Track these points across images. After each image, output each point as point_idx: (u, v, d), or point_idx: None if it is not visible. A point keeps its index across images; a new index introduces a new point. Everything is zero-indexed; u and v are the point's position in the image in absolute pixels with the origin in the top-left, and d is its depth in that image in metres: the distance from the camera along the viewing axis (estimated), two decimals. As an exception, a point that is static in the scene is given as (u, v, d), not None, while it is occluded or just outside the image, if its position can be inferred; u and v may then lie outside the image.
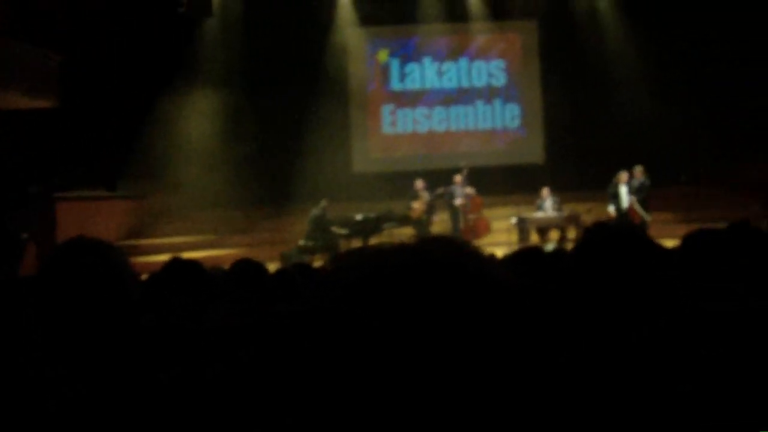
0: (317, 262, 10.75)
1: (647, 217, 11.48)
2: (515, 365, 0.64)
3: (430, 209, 12.57)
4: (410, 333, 0.62)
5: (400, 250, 0.70)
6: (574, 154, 14.39)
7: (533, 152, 15.47)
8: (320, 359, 0.64)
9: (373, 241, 11.29)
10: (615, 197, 11.74)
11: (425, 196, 12.56)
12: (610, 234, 1.59)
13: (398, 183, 13.67)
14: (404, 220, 12.16)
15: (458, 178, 12.65)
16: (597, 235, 1.62)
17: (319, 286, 0.69)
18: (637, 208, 11.61)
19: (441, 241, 0.73)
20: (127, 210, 12.87)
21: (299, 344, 0.66)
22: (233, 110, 13.90)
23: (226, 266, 3.36)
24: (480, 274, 0.68)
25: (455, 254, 0.71)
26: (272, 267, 4.78)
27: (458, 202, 12.56)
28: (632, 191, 11.77)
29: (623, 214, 11.56)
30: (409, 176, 13.30)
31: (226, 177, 13.34)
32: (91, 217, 11.42)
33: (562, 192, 12.60)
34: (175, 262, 2.68)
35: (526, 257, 2.87)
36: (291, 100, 14.28)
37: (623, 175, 11.75)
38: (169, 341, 1.65)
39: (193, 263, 2.73)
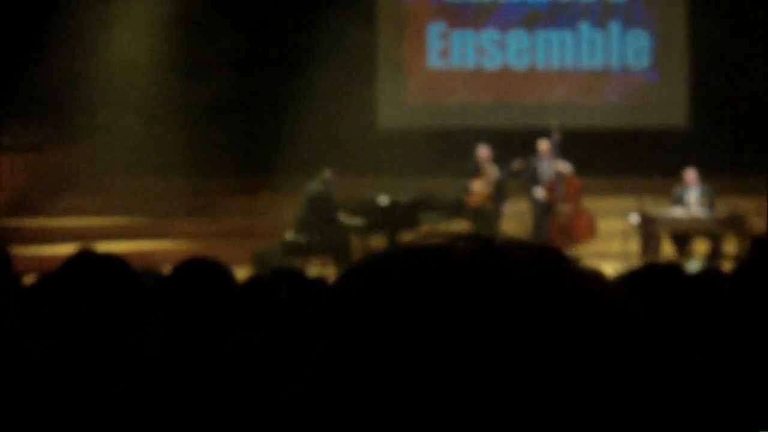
0: (313, 269, 10.90)
1: None
2: None
3: (500, 194, 12.79)
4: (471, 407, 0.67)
5: (450, 258, 0.74)
6: (737, 118, 14.48)
7: (670, 110, 15.53)
8: None
9: (405, 239, 11.30)
10: None
11: (492, 172, 12.75)
12: None
13: (449, 149, 13.77)
14: (456, 208, 12.50)
15: (544, 146, 12.85)
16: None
17: (317, 321, 0.75)
18: None
19: (516, 247, 0.77)
20: (9, 170, 12.88)
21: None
22: (189, 27, 14.15)
23: (167, 269, 3.69)
24: (588, 303, 0.73)
25: (542, 269, 0.75)
26: (241, 273, 4.76)
27: (543, 185, 12.73)
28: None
29: None
30: (468, 139, 13.39)
31: (172, 129, 13.60)
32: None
33: (715, 178, 12.62)
34: (83, 258, 2.87)
35: (652, 281, 2.88)
36: (284, 13, 14.72)
37: None
38: (62, 384, 1.87)
39: (114, 261, 2.93)
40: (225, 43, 14.56)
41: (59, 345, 2.58)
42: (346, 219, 12.15)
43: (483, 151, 12.82)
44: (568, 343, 0.70)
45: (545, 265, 0.75)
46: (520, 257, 0.75)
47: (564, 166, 12.81)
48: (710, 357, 2.23)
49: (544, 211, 12.76)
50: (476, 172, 12.75)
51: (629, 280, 2.97)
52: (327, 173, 12.22)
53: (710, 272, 3.33)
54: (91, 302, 2.76)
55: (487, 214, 12.49)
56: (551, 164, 12.77)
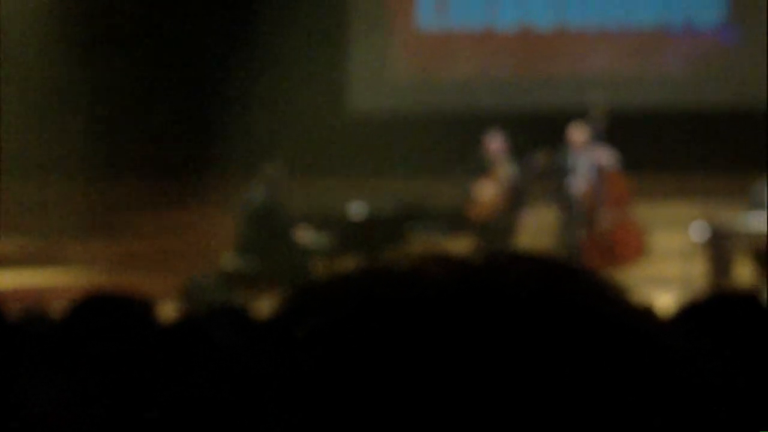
0: (262, 303, 10.94)
1: None
2: None
3: (517, 200, 12.99)
4: None
5: (418, 284, 0.77)
6: None
7: (751, 82, 15.63)
8: None
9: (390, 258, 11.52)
10: None
11: (506, 170, 12.90)
12: None
13: (447, 139, 13.91)
14: (456, 220, 12.76)
15: (579, 133, 12.89)
16: None
17: (255, 366, 0.79)
18: None
19: (534, 265, 0.80)
20: None
21: None
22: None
23: (60, 308, 3.71)
24: (615, 338, 0.75)
25: (547, 293, 0.76)
26: (166, 310, 4.79)
27: (579, 186, 12.64)
28: None
29: None
30: (472, 125, 13.49)
31: (66, 121, 13.85)
32: None
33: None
34: None
35: (724, 314, 2.95)
36: None
37: None
38: None
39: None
40: (136, 10, 14.68)
41: None
42: (306, 237, 12.24)
43: (494, 143, 12.87)
44: (577, 392, 0.72)
45: (554, 287, 0.77)
46: (514, 278, 0.77)
47: (606, 159, 12.86)
48: None
49: (578, 221, 12.82)
50: (484, 170, 12.79)
51: (691, 313, 3.04)
52: (269, 170, 12.26)
53: None
54: None
55: (498, 228, 12.65)
56: (589, 157, 12.81)
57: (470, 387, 0.71)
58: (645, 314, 0.76)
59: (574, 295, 0.77)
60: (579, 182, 12.74)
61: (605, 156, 12.83)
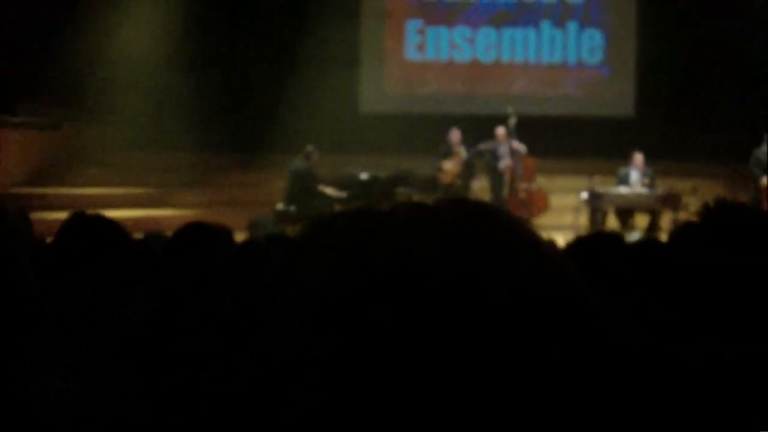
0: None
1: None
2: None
3: (469, 172, 12.81)
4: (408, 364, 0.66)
5: (391, 217, 0.74)
6: (679, 109, 14.46)
7: (619, 101, 15.58)
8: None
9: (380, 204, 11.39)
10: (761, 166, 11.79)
11: (462, 153, 12.78)
12: (739, 218, 1.54)
13: (424, 132, 13.75)
14: (429, 184, 12.39)
15: (501, 131, 12.78)
16: (719, 220, 1.57)
17: (274, 280, 0.75)
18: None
19: (473, 207, 0.76)
20: (30, 144, 12.87)
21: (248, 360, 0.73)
22: (192, 22, 14.01)
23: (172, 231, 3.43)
24: (541, 270, 0.71)
25: (496, 228, 0.73)
26: (238, 238, 4.75)
27: (503, 164, 12.64)
28: (763, 166, 11.75)
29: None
30: (441, 124, 13.35)
31: (178, 112, 13.53)
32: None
33: (656, 161, 12.68)
34: (78, 221, 2.70)
35: (597, 247, 2.91)
36: (275, 10, 14.54)
37: None
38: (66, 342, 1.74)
39: (108, 224, 2.75)
40: (224, 38, 14.45)
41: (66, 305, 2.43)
42: (330, 191, 12.09)
43: (455, 135, 12.75)
44: (485, 281, 0.69)
45: (469, 219, 0.73)
46: (450, 215, 0.73)
47: (520, 147, 12.79)
48: (644, 311, 2.22)
49: (501, 187, 12.69)
50: (449, 153, 12.73)
51: (577, 246, 3.01)
52: (308, 148, 12.13)
53: (649, 242, 3.37)
54: (87, 261, 2.59)
55: (457, 190, 12.38)
56: (509, 146, 12.70)
57: (407, 283, 0.68)
58: (552, 247, 0.75)
59: (490, 219, 0.74)
60: (503, 162, 12.68)
61: (519, 146, 12.75)
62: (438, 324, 0.67)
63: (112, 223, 2.76)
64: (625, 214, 12.21)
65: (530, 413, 0.66)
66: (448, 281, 0.68)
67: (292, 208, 11.90)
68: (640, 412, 0.73)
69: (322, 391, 0.67)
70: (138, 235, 4.59)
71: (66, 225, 2.72)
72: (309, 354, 0.68)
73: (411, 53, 15.86)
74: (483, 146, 12.81)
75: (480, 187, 12.88)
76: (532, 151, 12.96)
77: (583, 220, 12.14)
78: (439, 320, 0.67)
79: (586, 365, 0.68)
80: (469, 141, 12.81)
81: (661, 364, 1.21)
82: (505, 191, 12.68)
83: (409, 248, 0.70)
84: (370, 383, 0.66)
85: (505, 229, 0.74)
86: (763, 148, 11.89)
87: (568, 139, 14.33)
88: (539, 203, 12.84)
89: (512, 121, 12.78)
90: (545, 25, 15.75)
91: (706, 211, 1.61)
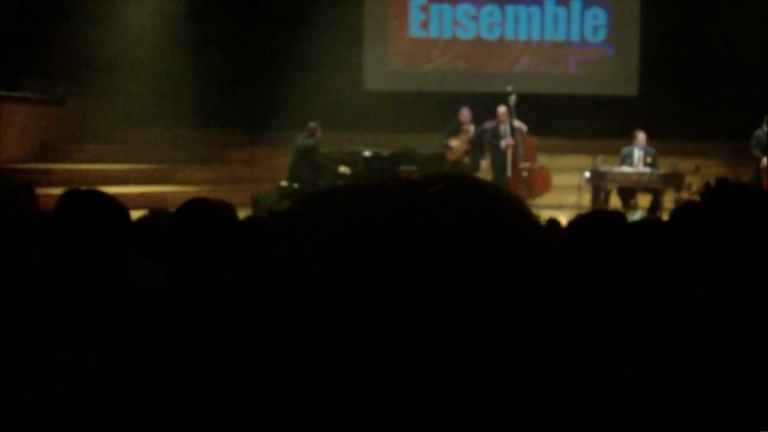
0: None
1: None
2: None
3: (476, 150, 12.84)
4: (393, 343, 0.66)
5: (379, 191, 0.73)
6: (681, 89, 14.36)
7: (622, 80, 15.50)
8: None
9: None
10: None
11: (471, 131, 12.83)
12: (740, 197, 1.55)
13: (428, 110, 13.74)
14: (435, 161, 12.33)
15: (503, 109, 12.70)
16: (719, 199, 1.58)
17: (266, 254, 0.75)
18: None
19: (466, 182, 0.74)
20: (35, 119, 12.87)
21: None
22: (196, 1, 14.02)
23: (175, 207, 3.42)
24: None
25: (486, 206, 0.71)
26: (243, 214, 4.73)
27: (504, 143, 12.59)
28: (764, 146, 11.78)
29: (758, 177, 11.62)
30: (444, 101, 13.41)
31: (182, 89, 13.51)
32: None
33: (659, 141, 12.66)
34: (73, 197, 2.68)
35: (599, 226, 2.88)
36: None
37: None
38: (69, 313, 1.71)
39: (104, 198, 2.74)
40: (228, 15, 14.38)
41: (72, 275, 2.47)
42: (334, 167, 12.05)
43: (465, 114, 12.78)
44: (467, 258, 0.68)
45: (456, 193, 0.72)
46: (434, 189, 0.72)
47: (520, 126, 12.71)
48: (637, 288, 2.22)
49: (504, 166, 12.60)
50: (458, 131, 12.75)
51: (578, 223, 2.99)
52: (312, 125, 12.10)
53: (651, 221, 3.36)
54: (84, 236, 2.59)
55: (463, 167, 12.28)
56: (508, 125, 12.63)
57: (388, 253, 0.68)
58: (552, 227, 0.75)
59: (464, 195, 0.73)
60: (504, 141, 12.59)
61: (520, 124, 12.66)
62: (436, 304, 0.66)
63: (107, 198, 2.75)
64: (628, 193, 12.25)
65: (517, 404, 0.66)
66: (440, 256, 0.68)
67: (296, 185, 11.84)
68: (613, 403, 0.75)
69: (327, 381, 0.66)
70: (143, 212, 4.60)
71: (61, 201, 2.71)
72: (313, 344, 0.67)
73: (414, 30, 15.83)
74: (487, 125, 12.78)
75: (488, 166, 12.86)
76: (536, 129, 12.93)
77: (585, 200, 12.09)
78: (437, 300, 0.67)
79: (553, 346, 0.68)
80: (474, 120, 12.83)
81: (642, 354, 1.23)
82: (508, 170, 12.65)
83: (402, 229, 0.69)
84: (376, 372, 0.65)
85: (490, 203, 0.73)
86: (764, 128, 11.92)
87: (571, 118, 14.29)
88: (542, 183, 12.79)
89: (512, 99, 12.73)
90: (549, 3, 15.68)
91: (707, 191, 1.62)
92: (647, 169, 12.18)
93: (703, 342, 1.27)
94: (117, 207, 2.74)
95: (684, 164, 12.21)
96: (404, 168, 12.24)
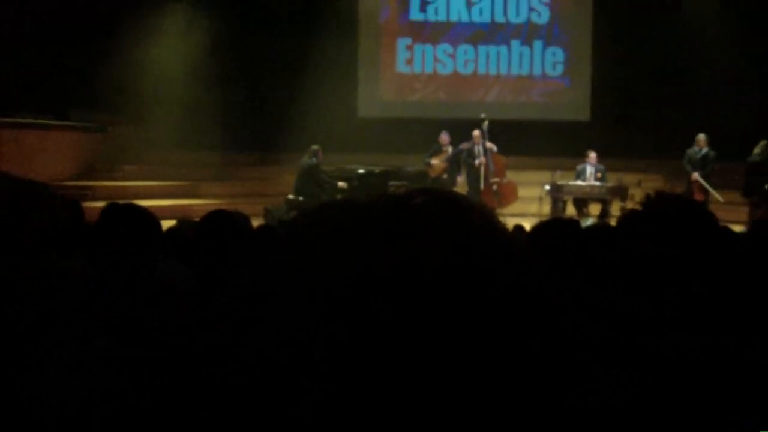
0: None
1: (717, 196, 11.52)
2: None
3: (454, 168, 12.74)
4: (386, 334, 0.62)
5: (369, 206, 0.70)
6: (627, 115, 14.43)
7: (577, 107, 15.53)
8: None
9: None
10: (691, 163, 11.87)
11: (449, 152, 12.79)
12: (675, 207, 1.55)
13: (413, 133, 13.73)
14: (419, 178, 12.27)
15: (477, 133, 12.62)
16: (658, 208, 1.57)
17: (275, 259, 0.72)
18: (704, 183, 11.64)
19: (444, 196, 0.72)
20: (81, 144, 12.92)
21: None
22: (217, 43, 14.00)
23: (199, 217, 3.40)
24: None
25: (461, 215, 0.69)
26: (256, 224, 4.72)
27: (478, 161, 12.53)
28: (694, 163, 11.80)
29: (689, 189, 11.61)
30: (427, 127, 13.34)
31: (204, 117, 13.49)
32: (36, 149, 11.52)
33: (607, 159, 12.69)
34: (113, 209, 2.71)
35: (558, 231, 2.89)
36: (286, 29, 14.43)
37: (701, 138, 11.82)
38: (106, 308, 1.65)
39: (139, 211, 2.75)
40: (244, 55, 14.34)
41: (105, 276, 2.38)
42: (334, 183, 11.96)
43: (444, 137, 12.78)
44: (446, 262, 0.65)
45: (436, 205, 0.70)
46: (416, 202, 0.70)
47: (491, 146, 12.62)
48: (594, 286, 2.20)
49: (477, 181, 12.48)
50: (438, 151, 12.73)
51: (539, 229, 3.00)
52: (314, 147, 12.01)
53: (600, 225, 3.38)
54: (122, 242, 2.60)
55: (443, 183, 12.24)
56: (482, 146, 12.52)
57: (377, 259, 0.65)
58: (518, 234, 0.70)
59: (443, 207, 0.70)
60: (478, 160, 12.51)
61: (491, 145, 12.56)
62: (429, 305, 0.63)
63: (142, 211, 2.78)
64: (581, 203, 12.25)
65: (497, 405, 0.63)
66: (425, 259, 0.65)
67: (301, 198, 11.75)
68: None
69: (332, 382, 0.63)
70: (172, 222, 4.62)
71: (103, 213, 2.75)
72: (318, 346, 0.63)
73: (401, 66, 15.79)
74: (463, 146, 12.75)
75: (464, 181, 12.77)
76: (504, 150, 12.89)
77: (546, 209, 12.08)
78: (430, 302, 0.63)
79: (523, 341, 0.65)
80: (452, 142, 12.81)
81: (612, 355, 1.18)
82: (481, 184, 12.61)
83: (393, 238, 0.66)
84: (377, 373, 0.62)
85: (464, 212, 0.70)
86: (694, 148, 11.97)
87: (534, 139, 14.24)
88: (510, 195, 12.71)
89: (485, 124, 12.67)
90: (515, 43, 15.68)
91: (648, 201, 1.63)
92: (598, 183, 12.18)
93: (672, 343, 1.22)
94: (150, 218, 2.77)
95: (629, 178, 12.24)
96: (393, 183, 12.19)
